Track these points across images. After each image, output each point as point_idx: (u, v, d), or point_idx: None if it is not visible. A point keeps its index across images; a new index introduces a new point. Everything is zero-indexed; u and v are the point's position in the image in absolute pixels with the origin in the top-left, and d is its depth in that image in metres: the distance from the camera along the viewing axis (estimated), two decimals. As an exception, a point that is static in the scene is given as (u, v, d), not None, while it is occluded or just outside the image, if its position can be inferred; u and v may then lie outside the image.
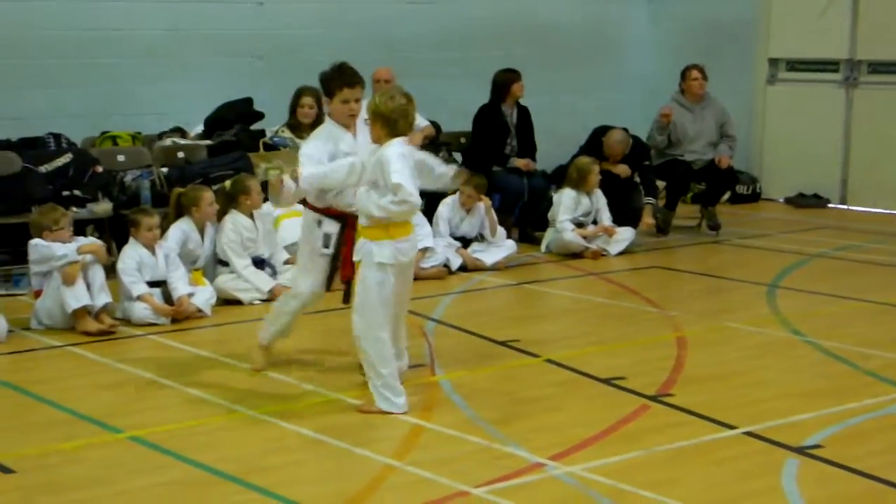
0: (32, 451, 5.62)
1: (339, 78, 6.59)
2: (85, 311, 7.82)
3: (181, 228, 8.75)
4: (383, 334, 6.20)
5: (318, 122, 10.75)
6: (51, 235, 7.95)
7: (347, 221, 6.59)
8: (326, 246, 6.66)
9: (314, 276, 6.77)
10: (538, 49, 13.64)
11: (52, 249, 7.84)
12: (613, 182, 11.16)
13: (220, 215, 8.96)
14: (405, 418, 6.10)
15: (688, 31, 14.48)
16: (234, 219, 8.95)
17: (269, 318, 7.06)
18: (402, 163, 6.05)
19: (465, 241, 10.20)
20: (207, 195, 8.93)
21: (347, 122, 6.62)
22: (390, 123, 6.12)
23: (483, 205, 10.21)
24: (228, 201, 8.99)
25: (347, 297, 6.63)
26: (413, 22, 13.08)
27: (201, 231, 8.89)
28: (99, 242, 8.18)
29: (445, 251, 9.90)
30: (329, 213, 6.64)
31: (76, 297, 7.79)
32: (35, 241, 7.93)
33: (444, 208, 10.25)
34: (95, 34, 11.30)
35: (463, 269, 9.95)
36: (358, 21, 12.71)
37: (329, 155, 6.49)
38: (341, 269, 6.69)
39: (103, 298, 7.96)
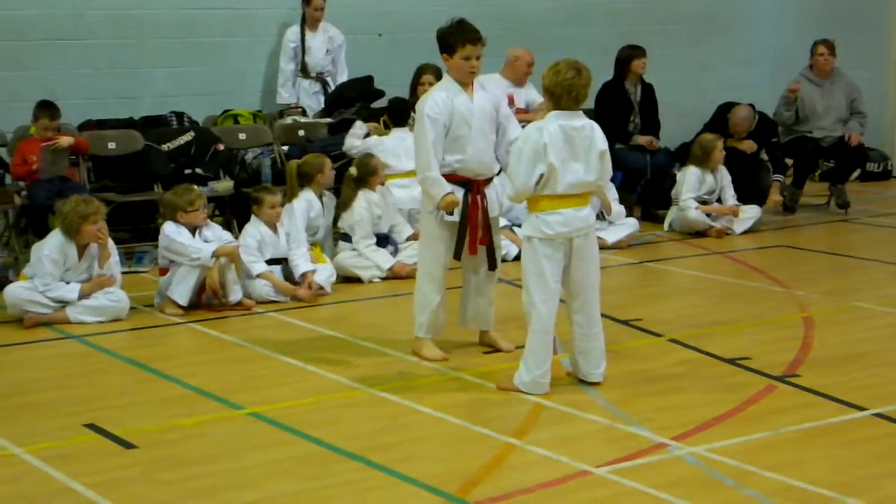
0: (153, 426, 5.67)
1: (461, 34, 6.45)
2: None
3: (305, 199, 8.79)
4: (542, 309, 6.01)
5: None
6: (185, 217, 7.98)
7: (472, 187, 6.52)
8: (451, 212, 6.51)
9: (442, 247, 6.59)
10: (663, 25, 13.41)
11: (186, 249, 7.84)
12: (739, 159, 10.95)
13: (348, 199, 8.98)
14: (526, 397, 6.02)
15: (818, 3, 14.10)
16: (368, 197, 8.98)
17: (416, 308, 6.78)
18: (528, 146, 5.93)
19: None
20: (329, 161, 9.05)
21: (467, 80, 6.49)
22: (554, 98, 5.99)
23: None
24: (357, 184, 9.01)
25: (493, 264, 6.68)
26: (531, 2, 12.94)
27: (321, 200, 8.94)
28: (234, 243, 8.17)
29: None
30: (453, 179, 6.51)
31: (183, 295, 7.85)
32: (169, 231, 7.93)
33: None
34: (216, 13, 11.40)
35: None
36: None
37: (447, 113, 6.42)
38: (472, 235, 6.53)
39: (237, 293, 8.01)
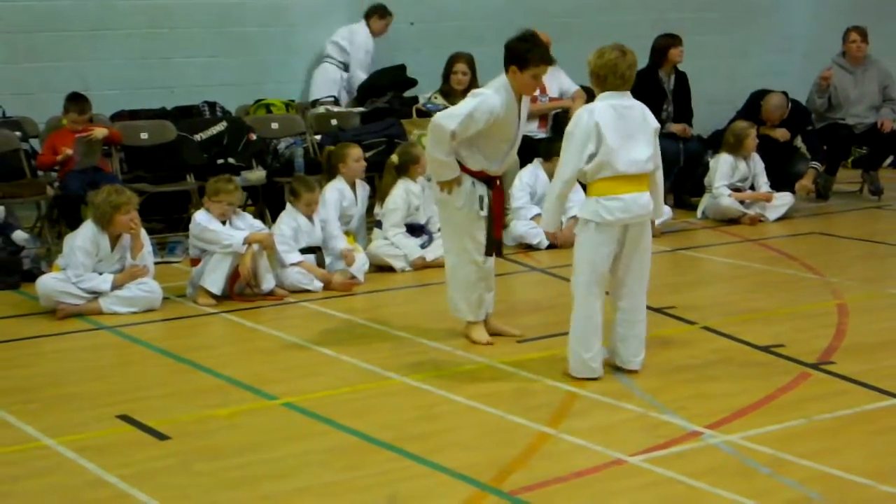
0: (188, 417, 5.69)
1: (539, 53, 6.42)
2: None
3: (336, 188, 8.81)
4: (590, 294, 6.02)
5: (470, 88, 10.74)
6: (210, 204, 8.00)
7: (493, 184, 6.59)
8: (482, 208, 6.58)
9: (478, 239, 6.64)
10: (695, 12, 13.33)
11: (218, 236, 7.87)
12: (772, 147, 10.90)
13: (388, 186, 8.97)
14: (560, 385, 6.01)
15: (852, -11, 13.99)
16: (407, 186, 8.98)
17: (459, 293, 6.80)
18: (578, 129, 5.95)
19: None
20: (354, 151, 8.99)
21: (526, 94, 6.56)
22: (599, 80, 6.02)
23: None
24: (398, 172, 9.00)
25: (499, 251, 6.84)
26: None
27: (353, 189, 8.93)
28: (266, 231, 8.20)
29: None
30: (479, 176, 6.58)
31: (216, 284, 7.87)
32: (200, 219, 7.95)
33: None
34: (249, 3, 11.42)
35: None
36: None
37: (493, 119, 6.42)
38: (494, 229, 6.65)
39: (270, 282, 8.02)
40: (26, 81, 10.42)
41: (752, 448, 5.11)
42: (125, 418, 5.63)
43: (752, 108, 11.27)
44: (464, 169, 6.54)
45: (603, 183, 5.94)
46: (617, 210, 5.93)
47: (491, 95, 6.40)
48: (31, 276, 8.19)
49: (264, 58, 11.46)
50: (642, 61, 11.05)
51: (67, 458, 5.19)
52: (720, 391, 5.90)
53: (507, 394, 5.95)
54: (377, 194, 9.18)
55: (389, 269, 8.81)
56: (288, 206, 8.48)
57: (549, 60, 6.48)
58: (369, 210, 9.26)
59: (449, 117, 6.41)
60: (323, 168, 9.11)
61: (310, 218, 8.40)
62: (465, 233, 6.64)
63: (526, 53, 6.37)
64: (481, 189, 6.57)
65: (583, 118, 5.94)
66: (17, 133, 9.76)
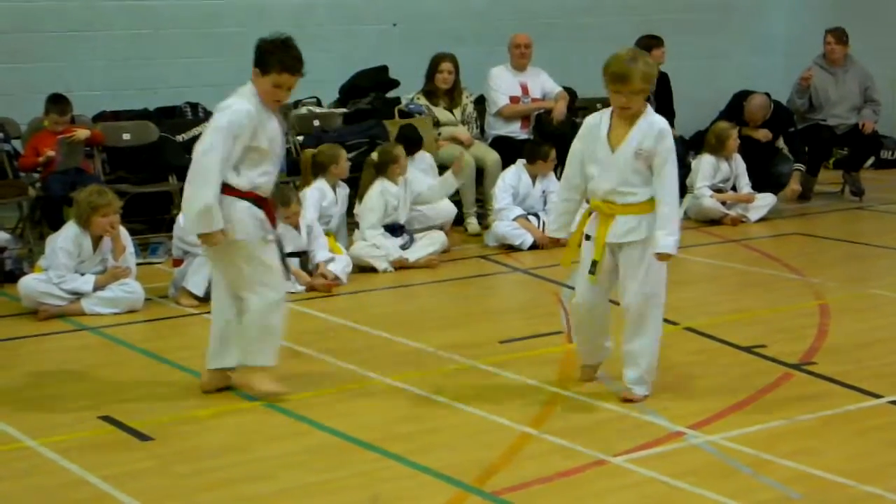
0: (169, 418, 5.67)
1: (284, 57, 5.75)
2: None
3: (318, 188, 8.81)
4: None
5: (454, 88, 10.76)
6: None
7: (265, 206, 5.85)
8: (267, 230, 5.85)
9: (277, 269, 5.90)
10: (676, 13, 13.37)
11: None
12: (754, 147, 10.93)
13: (366, 186, 8.98)
14: (542, 386, 6.01)
15: (833, -11, 14.05)
16: (384, 186, 8.98)
17: (258, 338, 5.87)
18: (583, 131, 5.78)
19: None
20: (343, 152, 9.06)
21: (268, 102, 5.78)
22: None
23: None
24: (377, 171, 9.01)
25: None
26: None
27: (334, 190, 8.93)
28: None
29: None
30: (250, 196, 5.77)
31: (198, 285, 7.83)
32: (184, 222, 7.93)
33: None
34: (230, 4, 11.41)
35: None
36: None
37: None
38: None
39: None
40: (8, 82, 10.38)
41: (735, 448, 5.11)
42: (107, 419, 5.61)
43: (735, 109, 11.30)
44: (232, 192, 5.70)
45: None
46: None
47: (237, 102, 5.69)
48: (13, 276, 8.17)
49: (246, 59, 11.36)
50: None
51: (49, 459, 5.17)
52: (702, 391, 5.91)
53: (489, 394, 5.94)
54: (357, 193, 9.18)
55: (372, 269, 8.80)
56: (272, 213, 8.45)
57: (293, 69, 5.74)
58: (350, 210, 9.25)
59: (202, 144, 5.66)
60: (303, 169, 9.09)
61: (295, 225, 8.38)
62: (260, 265, 5.80)
63: (268, 56, 5.72)
64: (258, 211, 5.77)
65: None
66: (0, 134, 9.72)
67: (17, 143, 9.99)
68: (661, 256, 5.56)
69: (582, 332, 5.96)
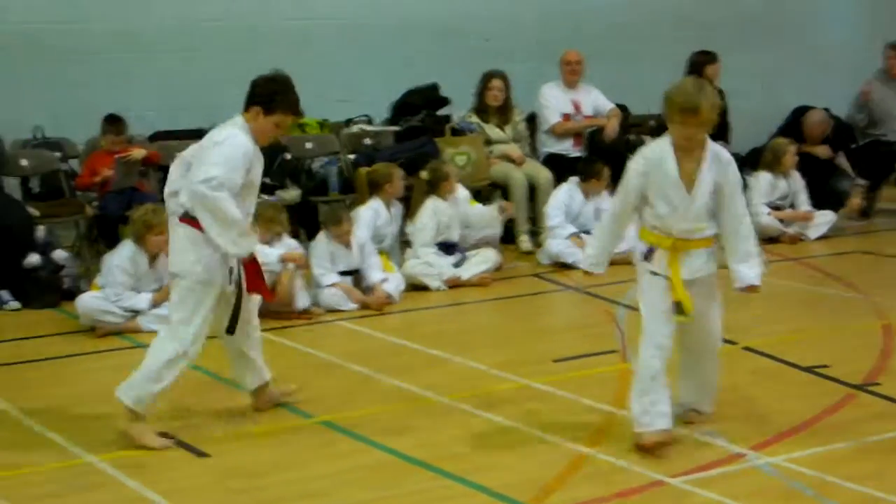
0: (225, 435, 5.67)
1: (290, 99, 5.73)
2: None
3: (372, 208, 8.80)
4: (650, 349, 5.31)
5: (506, 105, 10.72)
6: (260, 228, 7.96)
7: None
8: (230, 282, 5.61)
9: (210, 320, 5.61)
10: (732, 28, 13.24)
11: None
12: (813, 164, 10.81)
13: (417, 204, 8.97)
14: (597, 405, 5.94)
15: (894, 4, 13.85)
16: (435, 205, 8.97)
17: (148, 375, 5.59)
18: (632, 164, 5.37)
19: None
20: (398, 171, 9.04)
21: (262, 142, 5.65)
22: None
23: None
24: (429, 188, 8.99)
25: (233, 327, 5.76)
26: (603, 7, 12.84)
27: (388, 209, 8.92)
28: (300, 250, 8.22)
29: (636, 236, 9.67)
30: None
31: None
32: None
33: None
34: (283, 24, 11.45)
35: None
36: (545, 2, 12.58)
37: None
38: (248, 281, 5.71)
39: (305, 301, 8.02)
40: (65, 103, 10.46)
41: (797, 470, 5.02)
42: (164, 435, 5.60)
43: (794, 125, 11.20)
44: (196, 224, 5.50)
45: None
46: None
47: (237, 135, 5.52)
48: (71, 294, 8.22)
49: (298, 78, 11.43)
50: (677, 79, 11.07)
51: (109, 475, 5.19)
52: (763, 412, 5.81)
53: (544, 413, 5.89)
54: (409, 212, 9.16)
55: (424, 288, 8.77)
56: (323, 232, 8.46)
57: (297, 111, 5.76)
58: (401, 228, 9.24)
59: (204, 175, 5.36)
60: (357, 188, 9.09)
61: (346, 244, 8.38)
62: (204, 314, 5.55)
63: (275, 96, 5.65)
64: (231, 260, 5.57)
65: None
66: (57, 154, 9.84)
67: (74, 163, 10.08)
68: (750, 289, 5.38)
69: (651, 395, 5.29)
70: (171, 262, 5.63)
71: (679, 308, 5.26)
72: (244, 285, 5.68)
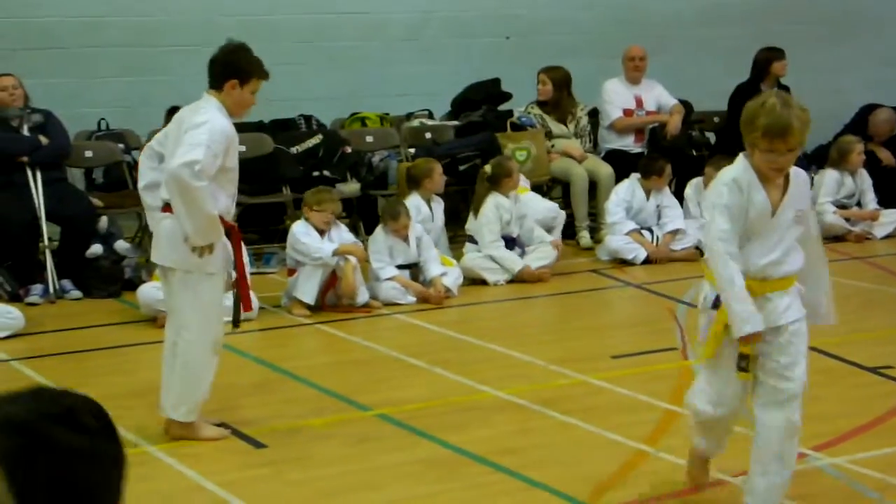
0: (283, 426, 5.67)
1: (259, 63, 5.61)
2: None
3: (412, 205, 8.75)
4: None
5: (560, 101, 10.65)
6: (311, 214, 8.04)
7: (233, 234, 5.57)
8: (235, 267, 5.59)
9: (221, 302, 5.55)
10: (798, 23, 13.06)
11: (308, 248, 7.89)
12: (880, 163, 10.63)
13: (480, 199, 8.94)
14: (657, 402, 5.88)
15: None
16: (497, 200, 8.92)
17: (188, 385, 5.51)
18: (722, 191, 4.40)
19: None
20: (437, 166, 8.99)
21: (238, 114, 5.60)
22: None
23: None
24: (491, 184, 8.96)
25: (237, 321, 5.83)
26: (667, 0, 12.72)
27: (429, 205, 8.88)
28: (357, 243, 8.25)
29: (697, 233, 9.59)
30: (224, 225, 5.43)
31: (309, 294, 7.86)
32: (297, 231, 8.00)
33: (692, 190, 9.97)
34: (344, 18, 11.47)
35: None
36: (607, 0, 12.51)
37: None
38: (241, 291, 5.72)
39: (364, 295, 8.04)
40: (127, 95, 10.56)
41: (860, 472, 4.95)
42: (223, 426, 5.62)
43: (860, 123, 11.05)
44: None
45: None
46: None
47: (217, 117, 5.35)
48: (133, 284, 8.28)
49: (359, 72, 11.49)
50: (744, 75, 10.97)
51: (167, 463, 5.21)
52: (826, 413, 5.71)
53: (602, 410, 5.84)
54: (471, 206, 9.13)
55: (482, 282, 8.74)
56: (382, 226, 8.45)
57: (266, 74, 5.60)
58: (462, 223, 9.20)
59: (185, 158, 5.18)
60: (399, 183, 9.07)
61: (404, 238, 8.37)
62: (216, 305, 5.49)
63: (247, 66, 5.53)
64: (227, 243, 5.49)
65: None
66: (120, 145, 9.89)
67: (136, 154, 10.14)
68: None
69: (714, 433, 4.68)
70: (162, 256, 5.46)
71: (744, 363, 4.42)
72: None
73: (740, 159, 4.41)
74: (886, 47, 13.73)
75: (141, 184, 5.70)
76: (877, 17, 13.80)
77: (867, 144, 10.55)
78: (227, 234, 5.45)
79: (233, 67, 5.52)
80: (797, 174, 4.49)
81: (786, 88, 10.98)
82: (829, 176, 10.31)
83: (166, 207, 5.41)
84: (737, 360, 4.40)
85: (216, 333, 5.48)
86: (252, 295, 7.66)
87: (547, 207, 9.58)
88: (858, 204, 10.39)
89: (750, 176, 4.34)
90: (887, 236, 10.29)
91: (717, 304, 4.44)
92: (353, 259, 7.92)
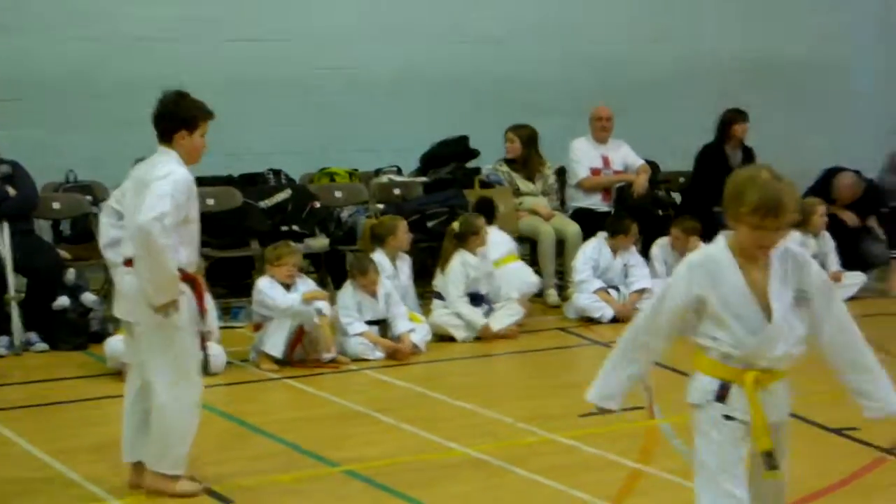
0: (250, 482, 5.64)
1: (201, 106, 5.63)
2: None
3: (376, 261, 8.75)
4: None
5: (528, 159, 10.74)
6: (272, 270, 8.06)
7: (196, 287, 5.51)
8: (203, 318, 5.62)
9: (193, 350, 5.54)
10: (761, 86, 13.25)
11: (275, 301, 7.92)
12: (843, 225, 10.75)
13: (447, 255, 8.97)
14: (624, 462, 5.90)
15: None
16: (464, 258, 8.95)
17: (171, 440, 5.45)
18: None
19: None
20: (403, 224, 9.00)
21: (193, 161, 5.61)
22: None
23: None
24: (458, 241, 9.00)
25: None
26: (634, 62, 12.89)
27: (393, 262, 8.90)
28: (322, 292, 8.27)
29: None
30: (188, 278, 5.44)
31: (276, 347, 7.88)
32: (262, 286, 8.03)
33: (658, 249, 10.05)
34: (315, 73, 11.54)
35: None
36: (574, 57, 12.64)
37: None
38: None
39: (332, 351, 8.06)
40: (95, 146, 10.54)
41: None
42: (193, 479, 5.58)
43: (824, 185, 11.15)
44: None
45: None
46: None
47: (177, 169, 5.40)
48: (100, 337, 8.25)
49: (328, 127, 11.54)
50: (710, 136, 11.11)
51: (131, 520, 5.18)
52: (791, 473, 5.72)
53: (569, 468, 5.85)
54: (438, 262, 9.17)
55: (450, 338, 8.76)
56: (350, 281, 8.46)
57: (212, 114, 5.63)
58: (430, 279, 9.23)
59: (154, 212, 5.18)
60: (363, 239, 9.09)
61: (372, 294, 8.38)
62: (188, 357, 5.46)
63: (191, 112, 5.56)
64: (192, 297, 5.45)
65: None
66: (88, 197, 9.88)
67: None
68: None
69: None
70: (126, 311, 5.43)
71: (771, 460, 4.08)
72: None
73: (719, 240, 4.03)
74: (850, 111, 13.95)
75: (103, 242, 5.70)
76: (838, 80, 14.03)
77: (830, 207, 10.66)
78: (191, 286, 5.41)
79: (178, 118, 5.54)
80: (787, 251, 4.04)
81: (749, 150, 11.15)
82: (792, 238, 10.40)
83: (128, 262, 5.39)
84: (764, 460, 4.08)
85: (193, 394, 5.42)
86: (220, 349, 7.75)
87: (528, 283, 9.60)
88: (821, 266, 10.47)
89: (719, 255, 4.00)
90: (850, 298, 10.35)
91: (721, 396, 4.07)
92: (327, 313, 7.92)
